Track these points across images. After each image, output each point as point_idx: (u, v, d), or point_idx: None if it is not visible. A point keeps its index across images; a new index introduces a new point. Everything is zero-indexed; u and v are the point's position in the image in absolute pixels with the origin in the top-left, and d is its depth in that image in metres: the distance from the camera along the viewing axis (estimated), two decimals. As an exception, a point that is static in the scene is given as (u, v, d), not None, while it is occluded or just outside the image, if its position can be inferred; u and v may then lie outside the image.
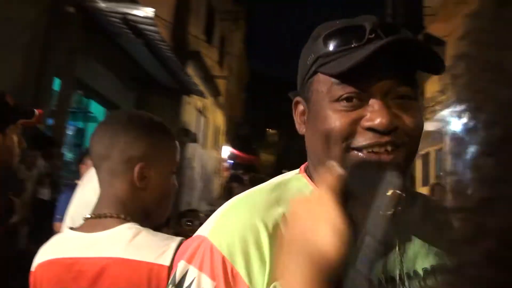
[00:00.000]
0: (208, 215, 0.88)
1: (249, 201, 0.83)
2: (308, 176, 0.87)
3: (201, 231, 0.81)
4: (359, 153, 0.76)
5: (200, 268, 0.75)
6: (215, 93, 16.48)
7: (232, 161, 22.92)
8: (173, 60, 8.74)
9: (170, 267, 1.05)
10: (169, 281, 0.79)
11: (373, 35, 0.74)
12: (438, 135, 13.41)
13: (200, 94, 12.45)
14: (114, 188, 1.19)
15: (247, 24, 25.97)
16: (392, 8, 14.55)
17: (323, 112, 0.78)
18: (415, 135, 0.78)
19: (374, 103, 0.75)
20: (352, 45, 0.75)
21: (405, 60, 0.75)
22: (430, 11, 12.70)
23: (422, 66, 0.78)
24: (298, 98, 0.87)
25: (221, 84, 17.69)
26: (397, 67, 0.76)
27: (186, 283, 0.76)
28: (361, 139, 0.75)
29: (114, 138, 1.20)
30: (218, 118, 17.75)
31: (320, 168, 0.79)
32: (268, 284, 0.73)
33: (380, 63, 0.73)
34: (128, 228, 1.14)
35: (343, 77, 0.75)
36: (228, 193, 10.93)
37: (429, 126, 13.72)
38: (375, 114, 0.74)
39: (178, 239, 1.14)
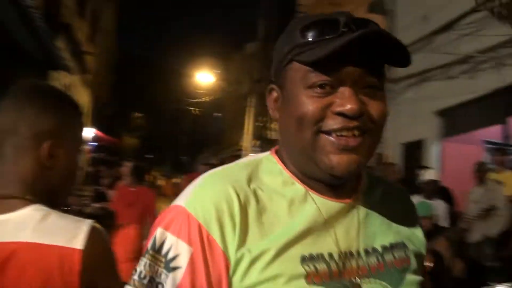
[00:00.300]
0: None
1: (224, 175, 0.89)
2: (278, 157, 0.94)
3: (178, 201, 0.86)
4: (329, 137, 0.82)
5: (178, 235, 0.81)
6: (83, 70, 15.59)
7: (95, 143, 21.86)
8: (44, 30, 8.14)
9: (83, 251, 1.04)
10: (148, 248, 0.83)
11: (346, 29, 0.80)
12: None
13: (68, 69, 11.73)
14: (19, 166, 1.10)
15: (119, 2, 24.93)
16: (265, 8, 15.15)
17: (298, 97, 0.84)
18: (380, 122, 0.85)
19: (345, 91, 0.81)
20: (327, 37, 0.81)
21: (374, 52, 0.82)
22: (304, 9, 13.51)
23: (390, 60, 0.85)
24: (272, 86, 0.92)
25: (90, 61, 16.79)
26: (366, 59, 0.82)
27: (164, 249, 0.81)
28: (331, 123, 0.82)
29: (21, 111, 1.10)
30: (84, 97, 16.81)
31: (292, 150, 0.89)
32: (237, 250, 0.80)
33: (351, 54, 0.80)
34: (36, 210, 1.07)
35: (317, 66, 0.81)
36: (94, 177, 10.39)
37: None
38: (345, 101, 0.80)
39: (89, 221, 1.09)
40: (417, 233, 1.01)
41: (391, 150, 10.05)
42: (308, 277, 0.82)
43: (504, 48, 6.81)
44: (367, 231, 0.92)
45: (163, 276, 0.80)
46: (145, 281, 0.81)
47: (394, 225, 0.97)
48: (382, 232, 0.94)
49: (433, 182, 5.73)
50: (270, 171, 0.92)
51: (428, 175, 5.77)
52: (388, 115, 0.87)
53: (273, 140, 17.34)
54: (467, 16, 7.55)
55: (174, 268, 0.80)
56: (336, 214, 0.89)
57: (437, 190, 5.82)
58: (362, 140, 0.83)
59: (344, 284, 0.85)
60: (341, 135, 0.82)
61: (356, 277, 0.87)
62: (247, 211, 0.83)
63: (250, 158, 0.97)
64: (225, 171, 0.91)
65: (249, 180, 0.88)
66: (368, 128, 0.83)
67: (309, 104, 0.82)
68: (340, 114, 0.81)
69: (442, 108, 8.48)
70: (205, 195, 0.84)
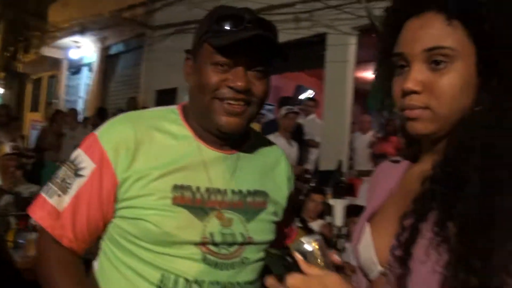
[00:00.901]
0: None
1: (133, 118, 1.18)
2: (183, 111, 1.20)
3: (96, 130, 1.16)
4: (221, 103, 1.10)
5: (87, 154, 1.12)
6: None
7: None
8: None
9: None
10: (69, 160, 1.15)
11: (250, 25, 1.08)
12: (57, 61, 13.38)
13: None
14: None
15: None
16: None
17: (204, 70, 1.10)
18: (261, 98, 1.14)
19: (238, 71, 1.09)
20: (233, 29, 1.08)
21: (264, 47, 1.10)
22: None
23: (275, 54, 1.15)
24: (189, 56, 1.18)
25: None
26: (258, 50, 1.09)
27: (77, 162, 1.13)
28: (224, 92, 1.09)
29: None
30: None
31: (195, 107, 1.16)
32: (125, 171, 1.08)
33: (248, 44, 1.06)
34: None
35: (222, 50, 1.08)
36: None
37: (46, 51, 13.50)
38: (236, 78, 1.08)
39: None
40: (282, 187, 1.30)
41: (145, 95, 10.26)
42: (174, 199, 1.09)
43: (260, 14, 7.47)
44: (239, 177, 1.19)
45: (71, 179, 1.11)
46: (59, 181, 1.13)
47: (263, 177, 1.25)
48: (251, 180, 1.21)
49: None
50: (170, 120, 1.18)
51: None
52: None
53: (22, 74, 15.70)
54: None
55: (80, 176, 1.10)
56: (213, 160, 1.17)
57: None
58: (245, 109, 1.11)
59: (204, 209, 1.11)
60: (230, 103, 1.09)
61: (217, 206, 1.13)
62: (140, 145, 1.10)
63: (158, 108, 1.26)
64: (135, 115, 1.21)
65: (151, 124, 1.15)
66: (251, 101, 1.12)
67: (211, 77, 1.09)
68: (231, 87, 1.09)
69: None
70: (112, 129, 1.15)
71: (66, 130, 7.75)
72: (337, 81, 6.52)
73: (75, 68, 14.08)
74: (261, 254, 1.20)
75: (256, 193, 1.21)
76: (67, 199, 1.09)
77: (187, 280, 1.07)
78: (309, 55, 7.03)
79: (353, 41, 6.49)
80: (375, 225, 0.90)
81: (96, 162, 1.09)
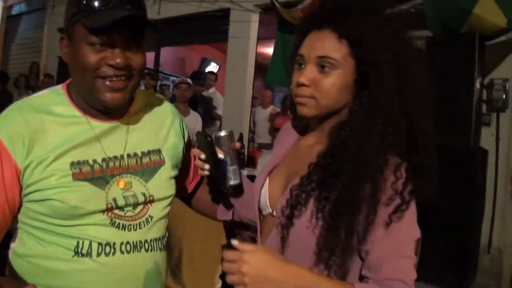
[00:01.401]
0: None
1: (23, 108, 1.17)
2: (67, 90, 1.22)
3: None
4: (104, 81, 1.12)
5: None
6: None
7: None
8: None
9: None
10: None
11: (117, 3, 1.10)
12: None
13: None
14: None
15: None
16: None
17: (81, 50, 1.11)
18: (140, 70, 1.18)
19: (115, 50, 1.12)
20: (103, 8, 1.09)
21: (137, 23, 1.14)
22: None
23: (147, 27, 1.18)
24: (63, 35, 1.18)
25: None
26: (131, 26, 1.12)
27: None
28: (105, 70, 1.12)
29: None
30: None
31: (78, 86, 1.19)
32: (25, 160, 1.11)
33: (120, 24, 1.08)
34: None
35: (95, 30, 1.09)
36: None
37: None
38: (115, 56, 1.11)
39: None
40: (176, 140, 1.36)
41: (47, 60, 9.87)
42: (74, 175, 1.13)
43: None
44: (132, 141, 1.25)
45: None
46: None
47: (155, 135, 1.31)
48: (143, 141, 1.28)
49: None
50: (57, 102, 1.20)
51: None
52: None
53: None
54: None
55: None
56: (105, 131, 1.21)
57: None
58: (127, 83, 1.16)
59: (104, 178, 1.17)
60: (111, 80, 1.13)
61: (116, 172, 1.19)
62: (34, 134, 1.12)
63: (44, 91, 1.25)
64: (23, 103, 1.19)
65: (40, 110, 1.17)
66: (131, 74, 1.16)
67: (89, 57, 1.11)
68: (111, 66, 1.12)
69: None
70: (5, 122, 1.15)
71: None
72: (239, 56, 6.67)
73: (-25, 27, 13.11)
74: (166, 211, 1.29)
75: (150, 152, 1.28)
76: None
77: (99, 244, 1.15)
78: (213, 29, 7.13)
79: (255, 18, 6.65)
80: (271, 178, 1.19)
81: None
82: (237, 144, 1.23)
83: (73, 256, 1.13)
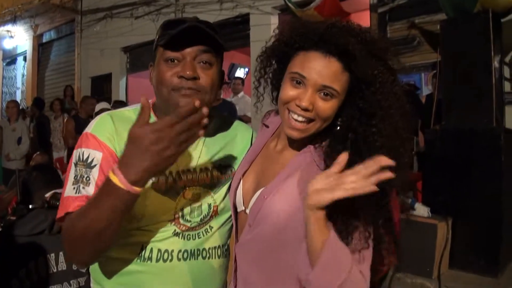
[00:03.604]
0: None
1: (116, 116, 1.28)
2: (153, 108, 1.29)
3: (86, 129, 1.26)
4: (176, 93, 1.21)
5: (89, 147, 1.22)
6: None
7: None
8: None
9: None
10: (74, 161, 1.22)
11: (189, 24, 1.21)
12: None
13: None
14: None
15: None
16: None
17: (160, 69, 1.24)
18: (209, 86, 1.24)
19: (185, 62, 1.22)
20: (176, 29, 1.20)
21: (205, 40, 1.22)
22: None
23: (215, 45, 1.25)
24: (151, 63, 1.31)
25: None
26: (201, 42, 1.22)
27: (84, 158, 1.21)
28: (176, 82, 1.21)
29: None
30: None
31: (159, 104, 1.28)
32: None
33: (191, 40, 1.21)
34: None
35: (169, 47, 1.22)
36: None
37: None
38: (184, 68, 1.21)
39: None
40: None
41: (80, 82, 10.26)
42: (153, 185, 1.23)
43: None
44: (205, 155, 1.34)
45: (87, 172, 1.19)
46: (78, 178, 1.19)
47: (226, 150, 1.39)
48: (216, 156, 1.36)
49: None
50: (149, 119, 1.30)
51: (101, 105, 6.21)
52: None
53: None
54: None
55: (93, 166, 1.19)
56: None
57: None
58: (196, 95, 1.20)
59: (176, 190, 1.26)
60: (182, 91, 1.21)
61: (187, 184, 1.28)
62: (121, 137, 1.20)
63: (135, 106, 1.34)
64: (118, 114, 1.30)
65: (129, 121, 1.21)
66: (200, 88, 1.22)
67: (165, 73, 1.23)
68: (181, 77, 1.21)
69: (128, 45, 9.09)
70: (103, 126, 1.24)
71: (4, 123, 7.61)
72: (262, 59, 6.77)
73: (10, 58, 13.72)
74: (228, 222, 1.36)
75: (222, 166, 1.36)
76: (91, 188, 1.18)
77: (159, 250, 1.24)
78: (235, 35, 7.32)
79: (274, 20, 6.78)
80: (245, 178, 1.29)
81: (101, 150, 1.21)
82: None
83: (136, 259, 1.24)
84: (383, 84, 1.10)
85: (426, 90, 7.34)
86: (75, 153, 1.23)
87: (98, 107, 6.24)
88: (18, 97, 12.79)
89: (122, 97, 9.15)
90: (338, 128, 1.17)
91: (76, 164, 1.21)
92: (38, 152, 5.30)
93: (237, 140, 1.44)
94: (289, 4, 5.65)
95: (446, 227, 3.55)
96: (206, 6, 7.35)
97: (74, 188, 1.18)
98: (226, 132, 1.44)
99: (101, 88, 9.80)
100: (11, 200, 2.49)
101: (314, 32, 1.13)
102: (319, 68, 1.10)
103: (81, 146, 1.23)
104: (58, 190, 2.00)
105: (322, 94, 1.11)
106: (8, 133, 7.34)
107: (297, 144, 1.22)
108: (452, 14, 3.88)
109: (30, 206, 1.98)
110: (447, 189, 3.67)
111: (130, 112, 1.31)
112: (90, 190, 1.17)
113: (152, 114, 1.27)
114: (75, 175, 1.20)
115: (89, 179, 1.18)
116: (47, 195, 2.00)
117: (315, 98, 1.11)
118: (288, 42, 1.17)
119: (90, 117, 6.77)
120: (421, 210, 3.63)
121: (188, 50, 1.22)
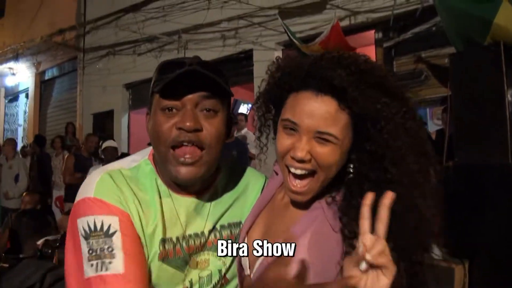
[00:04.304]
0: None
1: (115, 175, 1.10)
2: (153, 160, 1.16)
3: (85, 194, 1.07)
4: (174, 151, 1.06)
5: (102, 213, 1.04)
6: None
7: None
8: None
9: None
10: (83, 235, 1.02)
11: (190, 67, 1.04)
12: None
13: None
14: None
15: None
16: None
17: (156, 118, 1.08)
18: (215, 140, 1.09)
19: (185, 111, 1.05)
20: (169, 74, 1.04)
21: (207, 86, 1.06)
22: None
23: (219, 92, 1.09)
24: (147, 111, 1.15)
25: None
26: (202, 88, 1.06)
27: (98, 227, 1.03)
28: (175, 136, 1.06)
29: None
30: None
31: (157, 159, 1.12)
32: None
33: (190, 84, 1.05)
34: None
35: (166, 94, 1.06)
36: None
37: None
38: (184, 118, 1.04)
39: None
40: None
41: (82, 119, 10.23)
42: (160, 255, 1.09)
43: (187, 34, 7.76)
44: (213, 215, 1.20)
45: (108, 242, 1.01)
46: (98, 253, 1.00)
47: (236, 207, 1.25)
48: (225, 214, 1.22)
49: (113, 149, 6.17)
50: (146, 173, 1.15)
51: (108, 143, 6.15)
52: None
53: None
54: (153, 1, 8.26)
55: (113, 233, 1.02)
56: (185, 207, 1.15)
57: (118, 157, 6.27)
58: (200, 156, 1.07)
59: (184, 259, 1.13)
60: (182, 146, 1.06)
61: (195, 250, 1.15)
62: (128, 198, 1.08)
63: (132, 160, 1.19)
64: (117, 172, 1.12)
65: (133, 181, 1.12)
66: (203, 142, 1.07)
67: (162, 124, 1.07)
68: (180, 128, 1.05)
69: (130, 81, 9.07)
70: (106, 187, 1.07)
71: (2, 160, 7.60)
72: (265, 95, 6.74)
73: (12, 95, 13.79)
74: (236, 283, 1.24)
75: (231, 225, 1.23)
76: (119, 260, 1.01)
77: None
78: (238, 71, 7.29)
79: (278, 55, 6.75)
80: (250, 234, 1.14)
81: (115, 214, 1.05)
82: None
83: None
84: (389, 120, 0.94)
85: (431, 124, 7.26)
86: (81, 224, 1.04)
87: (105, 144, 6.17)
88: (20, 134, 12.77)
89: (124, 134, 9.09)
90: (351, 175, 1.00)
91: (87, 237, 1.03)
92: (25, 193, 5.18)
93: (248, 192, 1.30)
94: (294, 40, 5.62)
95: (463, 270, 3.35)
96: (209, 42, 7.34)
97: (93, 265, 1.00)
98: (236, 185, 1.29)
99: (103, 125, 9.75)
100: (6, 242, 2.41)
101: (300, 68, 1.00)
102: (310, 111, 0.96)
103: (86, 213, 1.04)
104: (49, 237, 1.93)
105: (317, 139, 0.97)
106: (5, 171, 7.35)
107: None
108: (462, 48, 3.80)
109: (21, 256, 1.88)
110: (461, 228, 3.48)
111: (127, 172, 1.14)
112: (118, 264, 1.00)
113: (155, 172, 1.16)
114: (90, 250, 1.02)
115: (112, 250, 1.01)
116: (39, 242, 1.90)
117: (311, 145, 0.97)
118: (279, 84, 1.04)
119: (91, 154, 6.69)
120: (436, 251, 3.43)
121: (188, 96, 1.06)
